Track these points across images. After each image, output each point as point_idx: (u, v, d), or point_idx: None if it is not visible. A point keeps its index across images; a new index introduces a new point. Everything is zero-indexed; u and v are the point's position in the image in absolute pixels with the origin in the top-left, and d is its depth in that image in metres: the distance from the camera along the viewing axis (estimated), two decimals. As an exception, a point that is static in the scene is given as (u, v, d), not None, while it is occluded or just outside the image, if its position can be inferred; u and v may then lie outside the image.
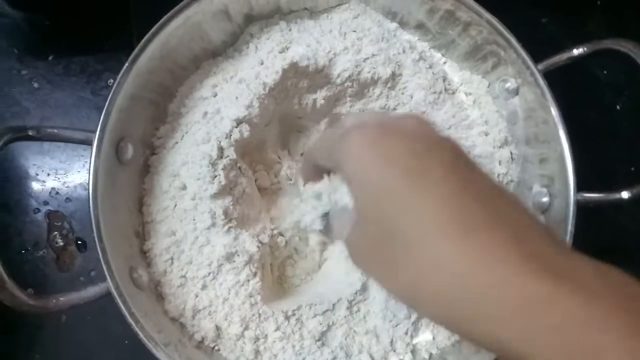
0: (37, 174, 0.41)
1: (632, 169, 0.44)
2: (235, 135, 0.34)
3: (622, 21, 0.50)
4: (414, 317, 0.35)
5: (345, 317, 0.34)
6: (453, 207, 0.20)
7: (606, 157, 0.45)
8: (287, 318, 0.33)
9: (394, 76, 0.38)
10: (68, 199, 0.41)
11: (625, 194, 0.34)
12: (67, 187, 0.41)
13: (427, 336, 0.36)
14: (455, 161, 0.22)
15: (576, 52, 0.35)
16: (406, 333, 0.35)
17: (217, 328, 0.32)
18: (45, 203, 0.41)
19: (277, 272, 0.37)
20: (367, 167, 0.22)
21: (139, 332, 0.28)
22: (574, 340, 0.17)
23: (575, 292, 0.18)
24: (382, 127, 0.23)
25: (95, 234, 0.29)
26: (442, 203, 0.20)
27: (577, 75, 0.46)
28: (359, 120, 0.25)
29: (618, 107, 0.47)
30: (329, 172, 0.29)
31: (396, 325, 0.35)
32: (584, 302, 0.17)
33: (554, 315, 0.17)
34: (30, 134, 0.29)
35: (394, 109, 0.39)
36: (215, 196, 0.33)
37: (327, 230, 0.31)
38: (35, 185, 0.41)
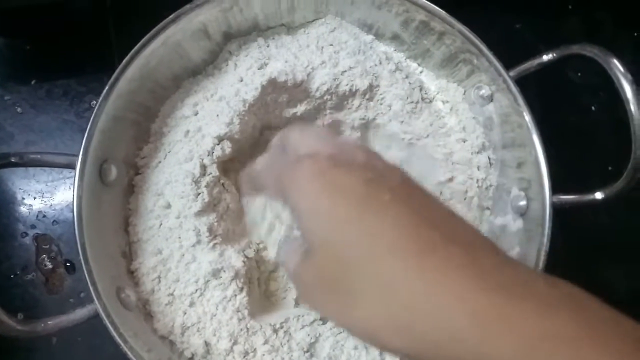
0: (23, 198, 0.41)
1: (610, 168, 0.45)
2: (217, 152, 0.35)
3: (596, 24, 0.51)
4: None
5: (331, 328, 0.34)
6: (404, 229, 0.20)
7: (583, 157, 0.46)
8: (275, 331, 0.33)
9: (371, 87, 0.38)
10: (55, 222, 0.41)
11: (599, 195, 0.34)
12: (54, 210, 0.41)
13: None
14: (403, 186, 0.22)
15: (546, 58, 0.36)
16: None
17: (207, 344, 0.33)
18: (33, 226, 0.41)
19: (263, 286, 0.37)
20: (316, 197, 0.21)
21: (128, 352, 0.29)
22: (528, 353, 0.17)
23: (527, 302, 0.18)
24: (332, 159, 0.22)
25: (81, 257, 0.30)
26: (393, 226, 0.20)
27: (552, 79, 0.47)
28: (310, 149, 0.24)
29: (593, 108, 0.48)
30: None
31: (385, 333, 0.36)
32: (536, 314, 0.18)
33: (506, 329, 0.18)
34: (13, 160, 0.29)
35: (373, 119, 0.40)
36: (200, 213, 0.33)
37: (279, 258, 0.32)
38: (22, 209, 0.41)
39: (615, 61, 0.33)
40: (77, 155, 0.31)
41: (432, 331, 0.19)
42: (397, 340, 0.20)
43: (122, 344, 0.29)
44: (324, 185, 0.21)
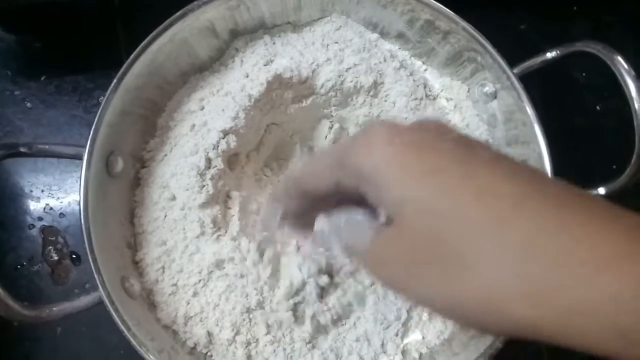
0: (31, 191, 0.42)
1: (614, 166, 0.45)
2: (222, 146, 0.35)
3: (601, 25, 0.51)
4: (403, 318, 0.36)
5: (333, 320, 0.35)
6: (522, 181, 0.18)
7: (587, 157, 0.46)
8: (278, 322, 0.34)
9: (376, 84, 0.39)
10: (62, 214, 0.42)
11: (602, 190, 0.34)
12: (61, 202, 0.42)
13: (417, 336, 0.36)
14: (496, 160, 0.19)
15: (550, 55, 0.36)
16: (397, 334, 0.36)
17: (209, 334, 0.33)
18: (40, 219, 0.42)
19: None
20: (403, 163, 0.19)
21: (131, 339, 0.29)
22: None
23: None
24: (406, 125, 0.20)
25: (86, 245, 0.30)
26: (508, 176, 0.18)
27: (557, 79, 0.47)
28: (377, 122, 0.21)
29: (598, 107, 0.48)
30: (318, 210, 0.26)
31: (387, 328, 0.36)
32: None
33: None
34: (22, 150, 0.30)
35: (378, 115, 0.40)
36: (204, 205, 0.34)
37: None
38: (30, 202, 0.42)
39: (619, 58, 0.33)
40: (85, 147, 0.32)
41: (574, 303, 0.16)
42: (531, 311, 0.17)
43: (125, 331, 0.29)
44: (414, 156, 0.19)
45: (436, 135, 0.20)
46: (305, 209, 0.26)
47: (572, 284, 0.16)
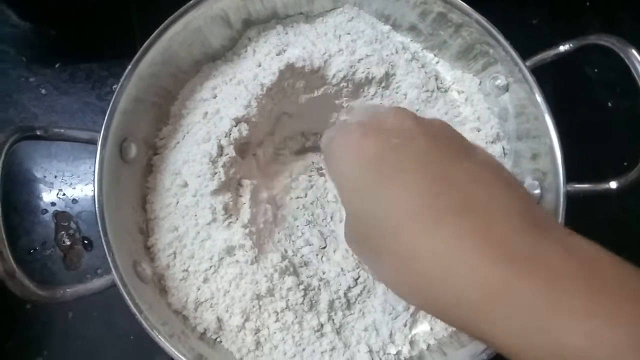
0: (44, 176, 0.42)
1: (625, 163, 0.44)
2: (235, 134, 0.35)
3: (613, 21, 0.51)
4: (412, 308, 0.36)
5: (342, 309, 0.35)
6: (421, 198, 0.21)
7: (598, 151, 0.46)
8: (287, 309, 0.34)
9: (387, 76, 0.39)
10: (74, 200, 0.42)
11: (613, 184, 0.34)
12: (74, 188, 0.42)
13: (425, 327, 0.37)
14: (430, 151, 0.22)
15: (562, 48, 0.36)
16: (405, 325, 0.36)
17: (219, 320, 0.33)
18: (53, 204, 0.42)
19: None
20: (344, 167, 0.24)
21: (143, 322, 0.29)
22: (532, 325, 0.17)
23: (536, 275, 0.18)
24: (362, 127, 0.24)
25: (100, 228, 0.30)
26: (411, 192, 0.21)
27: (569, 75, 0.47)
28: (343, 124, 0.27)
29: (610, 104, 0.48)
30: None
31: (395, 318, 0.36)
32: (544, 285, 0.18)
33: (511, 301, 0.18)
34: (38, 133, 0.30)
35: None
36: (216, 192, 0.34)
37: None
38: (43, 187, 0.42)
39: (634, 51, 0.33)
40: (99, 132, 0.32)
41: (444, 297, 0.20)
42: (411, 299, 0.22)
43: (137, 314, 0.30)
44: (351, 156, 0.23)
45: (384, 141, 0.23)
46: None
47: (435, 284, 0.20)
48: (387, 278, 0.23)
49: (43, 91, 0.44)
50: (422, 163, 0.22)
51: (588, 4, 0.51)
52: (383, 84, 0.39)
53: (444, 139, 0.24)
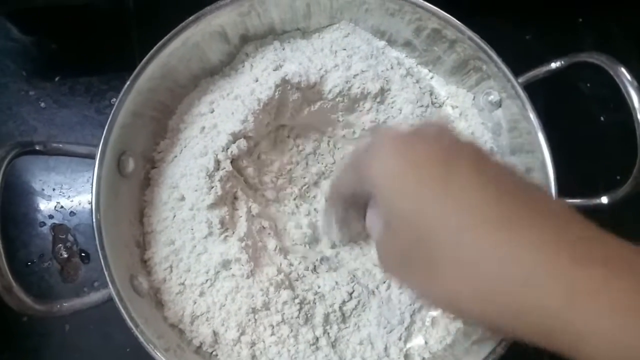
0: (43, 189, 0.43)
1: (618, 177, 0.45)
2: (233, 149, 0.36)
3: (605, 37, 0.52)
4: (407, 322, 0.36)
5: (337, 322, 0.35)
6: (487, 204, 0.20)
7: (591, 166, 0.47)
8: (283, 323, 0.34)
9: (382, 91, 0.39)
10: (72, 213, 0.42)
11: (604, 199, 0.35)
12: (72, 201, 0.43)
13: (420, 341, 0.37)
14: (480, 163, 0.22)
15: (554, 65, 0.37)
16: (400, 338, 0.36)
17: (215, 333, 0.34)
18: (51, 217, 0.42)
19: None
20: (395, 177, 0.22)
21: (139, 336, 0.30)
22: (624, 326, 0.17)
23: (623, 276, 0.18)
24: (406, 136, 0.23)
25: (97, 242, 0.31)
26: (476, 199, 0.20)
27: (562, 90, 0.48)
28: (382, 132, 0.25)
29: (602, 118, 0.49)
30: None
31: (390, 332, 0.36)
32: (631, 286, 0.17)
33: (603, 301, 0.17)
34: (37, 148, 0.31)
35: (384, 122, 0.41)
36: (212, 206, 0.34)
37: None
38: (41, 200, 0.43)
39: (623, 69, 0.34)
40: (98, 147, 0.33)
41: (521, 303, 0.19)
42: (476, 307, 0.20)
43: (133, 328, 0.30)
44: (402, 164, 0.22)
45: (431, 145, 0.22)
46: (351, 209, 0.32)
47: (512, 291, 0.19)
48: (443, 288, 0.21)
49: (43, 104, 0.45)
50: (479, 169, 0.21)
51: (581, 20, 0.51)
52: (378, 99, 0.40)
53: (485, 154, 0.23)
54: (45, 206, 0.43)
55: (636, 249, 0.19)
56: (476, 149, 0.23)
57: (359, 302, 0.36)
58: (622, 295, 0.17)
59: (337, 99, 0.39)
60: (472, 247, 0.20)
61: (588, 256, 0.18)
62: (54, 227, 0.42)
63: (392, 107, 0.40)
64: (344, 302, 0.36)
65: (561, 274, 0.18)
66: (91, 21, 0.46)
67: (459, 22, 0.38)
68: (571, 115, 0.48)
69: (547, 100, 0.45)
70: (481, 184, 0.21)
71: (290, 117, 0.39)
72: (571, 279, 0.18)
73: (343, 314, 0.36)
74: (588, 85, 0.49)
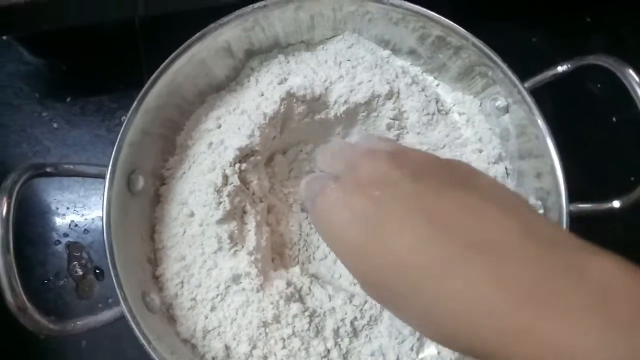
0: (57, 208, 0.44)
1: (632, 178, 0.44)
2: (242, 165, 0.36)
3: (614, 38, 0.51)
4: (418, 333, 0.36)
5: (349, 336, 0.35)
6: (422, 245, 0.20)
7: (603, 168, 0.46)
8: (294, 336, 0.34)
9: (391, 94, 0.39)
10: (86, 231, 0.43)
11: (616, 203, 0.34)
12: (85, 219, 0.44)
13: (432, 351, 0.36)
14: (414, 192, 0.22)
15: (560, 69, 0.36)
16: (411, 349, 0.36)
17: (227, 348, 0.34)
18: (65, 235, 0.43)
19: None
20: (335, 231, 0.23)
21: (151, 353, 0.30)
22: None
23: (552, 314, 0.17)
24: (339, 186, 0.24)
25: (109, 261, 0.31)
26: (410, 244, 0.21)
27: (572, 90, 0.47)
28: (318, 181, 0.26)
29: (614, 119, 0.48)
30: None
31: (402, 342, 0.36)
32: (560, 323, 0.17)
33: (528, 341, 0.17)
34: (48, 170, 0.31)
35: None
36: (221, 221, 0.34)
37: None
38: (56, 219, 0.44)
39: (631, 71, 0.33)
40: (107, 166, 0.33)
41: (466, 337, 0.19)
42: (435, 339, 0.21)
43: (146, 344, 0.30)
44: (337, 218, 0.23)
45: (369, 194, 0.23)
46: None
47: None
48: (411, 322, 0.22)
49: (55, 125, 0.46)
50: (411, 210, 0.21)
51: (589, 19, 0.51)
52: (389, 105, 0.39)
53: (427, 172, 0.23)
54: (59, 225, 0.43)
55: (564, 274, 0.18)
56: (412, 186, 0.23)
57: (371, 317, 0.36)
58: (545, 336, 0.17)
59: (341, 109, 0.39)
60: (426, 293, 0.20)
61: (517, 294, 0.18)
62: (69, 245, 0.43)
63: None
64: (355, 319, 0.35)
65: (493, 313, 0.18)
66: (99, 42, 0.47)
67: (462, 29, 0.37)
68: (581, 116, 0.47)
69: (556, 102, 0.45)
70: (412, 228, 0.21)
71: (296, 129, 0.40)
72: (501, 319, 0.18)
73: (354, 329, 0.35)
74: (598, 85, 0.49)
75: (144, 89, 0.35)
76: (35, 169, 0.31)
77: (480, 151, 0.40)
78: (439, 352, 0.36)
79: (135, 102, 0.34)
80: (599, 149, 0.47)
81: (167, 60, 0.36)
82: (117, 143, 0.34)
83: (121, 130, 0.34)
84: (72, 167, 0.33)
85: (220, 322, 0.34)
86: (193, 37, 0.36)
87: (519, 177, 0.39)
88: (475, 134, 0.40)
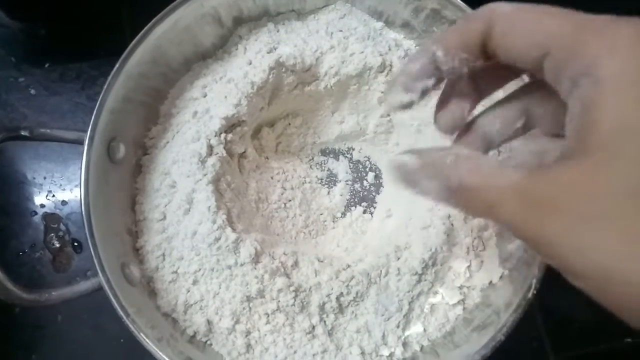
0: (34, 178, 0.42)
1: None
2: (228, 136, 0.35)
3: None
4: (405, 309, 0.35)
5: (334, 311, 0.34)
6: None
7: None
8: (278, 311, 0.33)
9: (384, 65, 0.38)
10: (64, 202, 0.42)
11: None
12: (63, 189, 0.42)
13: (419, 328, 0.36)
14: None
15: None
16: (397, 326, 0.36)
17: (209, 322, 0.33)
18: (42, 206, 0.42)
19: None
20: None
21: (130, 326, 0.29)
22: None
23: None
24: None
25: (86, 230, 0.30)
26: None
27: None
28: None
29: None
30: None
31: (388, 319, 0.35)
32: None
33: None
34: (23, 133, 0.30)
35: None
36: (204, 192, 0.33)
37: None
38: (32, 189, 0.42)
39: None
40: (86, 132, 0.32)
41: None
42: None
43: (124, 317, 0.29)
44: None
45: None
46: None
47: None
48: None
49: (32, 91, 0.44)
50: None
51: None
52: (381, 78, 0.38)
53: None
54: (36, 195, 0.42)
55: None
56: None
57: (357, 293, 0.35)
58: None
59: (332, 81, 0.38)
60: None
61: None
62: (46, 216, 0.41)
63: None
64: (341, 294, 0.35)
65: None
66: (81, 6, 0.45)
67: (459, 1, 0.36)
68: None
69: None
70: None
71: (285, 100, 0.38)
72: None
73: (340, 305, 0.35)
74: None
75: (125, 53, 0.33)
76: (9, 132, 0.30)
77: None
78: (425, 329, 0.36)
79: (117, 66, 0.33)
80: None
81: (149, 24, 0.34)
82: (96, 108, 0.32)
83: (101, 95, 0.32)
84: (48, 131, 0.31)
85: (202, 296, 0.33)
86: (176, 1, 0.35)
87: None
88: (468, 108, 0.39)
